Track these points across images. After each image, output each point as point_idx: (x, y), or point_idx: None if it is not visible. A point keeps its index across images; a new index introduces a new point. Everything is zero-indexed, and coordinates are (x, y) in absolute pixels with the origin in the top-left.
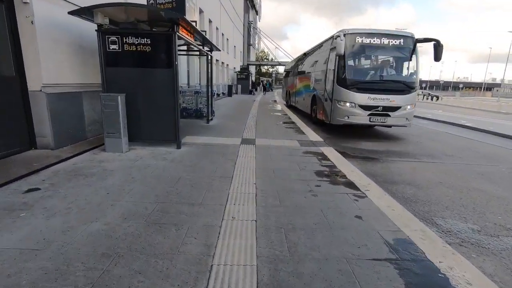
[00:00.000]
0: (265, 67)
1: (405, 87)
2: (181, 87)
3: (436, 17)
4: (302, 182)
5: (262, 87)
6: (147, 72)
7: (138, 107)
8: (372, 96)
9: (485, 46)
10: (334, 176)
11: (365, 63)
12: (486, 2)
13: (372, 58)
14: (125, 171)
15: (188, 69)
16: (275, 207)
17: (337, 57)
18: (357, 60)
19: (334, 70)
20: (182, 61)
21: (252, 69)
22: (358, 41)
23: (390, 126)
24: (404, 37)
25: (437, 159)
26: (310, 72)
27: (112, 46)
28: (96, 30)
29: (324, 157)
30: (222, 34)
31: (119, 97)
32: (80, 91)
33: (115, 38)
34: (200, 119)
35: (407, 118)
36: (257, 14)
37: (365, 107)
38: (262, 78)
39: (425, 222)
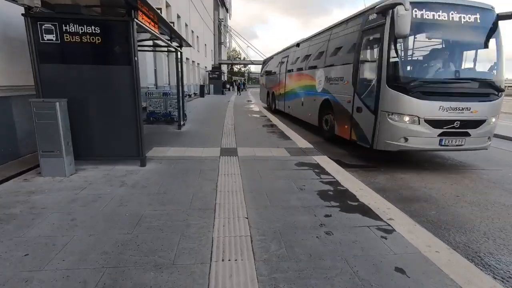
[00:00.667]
0: (238, 66)
1: (490, 89)
2: (148, 88)
3: None
4: (307, 211)
5: (236, 87)
6: (98, 70)
7: (87, 116)
8: (446, 104)
9: None
10: (343, 199)
11: (431, 51)
12: None
13: (443, 43)
14: (64, 208)
15: (156, 68)
16: (282, 259)
17: (388, 41)
18: (419, 47)
19: (379, 62)
20: (148, 59)
21: (224, 68)
22: (425, 16)
23: (465, 150)
24: (484, 10)
25: (440, 166)
26: (315, 68)
27: (47, 36)
28: (22, 14)
29: (321, 169)
30: (192, 31)
31: (57, 103)
32: (9, 95)
33: (50, 25)
34: (171, 124)
35: (489, 137)
36: (227, 11)
37: (434, 123)
38: (234, 78)
39: (475, 262)
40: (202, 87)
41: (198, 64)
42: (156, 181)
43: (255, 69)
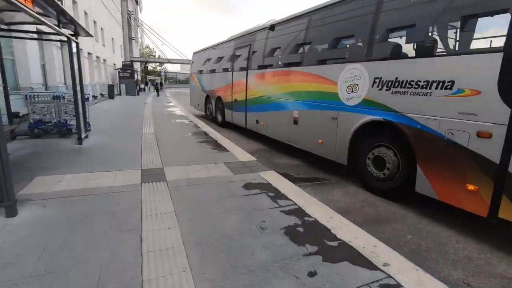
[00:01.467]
0: (153, 65)
1: None
2: (32, 89)
3: None
4: (283, 271)
5: (154, 88)
6: None
7: None
8: None
9: None
10: (319, 238)
11: None
12: None
13: None
14: None
15: (44, 63)
16: None
17: None
18: None
19: None
20: (32, 51)
21: (138, 67)
22: None
23: None
24: None
25: None
26: (338, 61)
27: None
28: None
29: (276, 192)
30: (95, 22)
31: None
32: None
33: None
34: (67, 137)
35: None
36: (137, 3)
37: None
38: (150, 77)
39: None
40: (111, 88)
41: (104, 60)
42: (33, 247)
43: (172, 68)
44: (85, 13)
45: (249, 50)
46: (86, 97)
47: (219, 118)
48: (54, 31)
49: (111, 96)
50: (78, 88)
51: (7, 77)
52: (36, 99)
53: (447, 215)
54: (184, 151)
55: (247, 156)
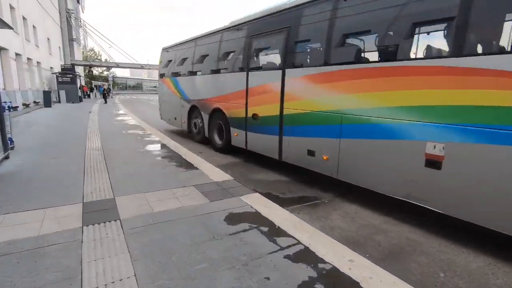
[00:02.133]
0: (98, 69)
1: None
2: None
3: None
4: None
5: (101, 94)
6: None
7: None
8: None
9: None
10: None
11: None
12: None
13: None
14: None
15: None
16: None
17: None
18: None
19: None
20: None
21: (81, 71)
22: None
23: None
24: None
25: None
26: None
27: None
28: None
29: (269, 224)
30: (24, 18)
31: None
32: None
33: None
34: None
35: None
36: (78, 2)
37: None
38: (95, 82)
39: None
40: (47, 94)
41: (38, 63)
42: None
43: (121, 73)
44: (11, 7)
45: (287, 37)
46: (5, 105)
47: (217, 140)
48: None
49: (47, 103)
50: None
51: None
52: None
53: (459, 230)
54: (141, 171)
55: (219, 173)
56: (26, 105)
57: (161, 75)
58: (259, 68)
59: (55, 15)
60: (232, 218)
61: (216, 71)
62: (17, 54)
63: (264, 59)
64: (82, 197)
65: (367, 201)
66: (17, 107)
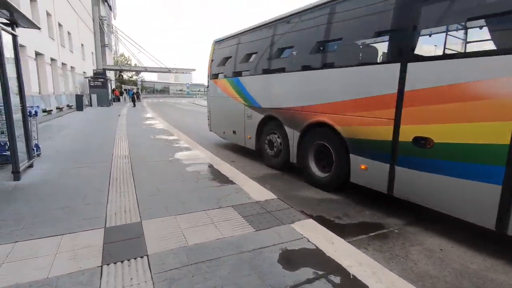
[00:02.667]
0: (128, 73)
1: None
2: None
3: None
4: None
5: (130, 98)
6: None
7: None
8: None
9: None
10: None
11: None
12: None
13: None
14: None
15: None
16: None
17: None
18: None
19: None
20: None
21: (112, 76)
22: None
23: None
24: None
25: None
26: None
27: None
28: None
29: (339, 270)
30: (60, 24)
31: None
32: None
33: None
34: (2, 167)
35: None
36: (110, 9)
37: None
38: (125, 86)
39: None
40: (79, 98)
41: (72, 68)
42: None
43: (149, 77)
44: (48, 14)
45: None
46: (32, 111)
47: (315, 170)
48: None
49: (79, 107)
50: (18, 99)
51: None
52: None
53: None
54: (171, 186)
55: (258, 189)
56: (59, 109)
57: (213, 76)
58: (442, 57)
59: (89, 22)
60: (289, 259)
61: (323, 65)
62: (52, 59)
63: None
64: (105, 220)
65: (448, 232)
66: (51, 110)
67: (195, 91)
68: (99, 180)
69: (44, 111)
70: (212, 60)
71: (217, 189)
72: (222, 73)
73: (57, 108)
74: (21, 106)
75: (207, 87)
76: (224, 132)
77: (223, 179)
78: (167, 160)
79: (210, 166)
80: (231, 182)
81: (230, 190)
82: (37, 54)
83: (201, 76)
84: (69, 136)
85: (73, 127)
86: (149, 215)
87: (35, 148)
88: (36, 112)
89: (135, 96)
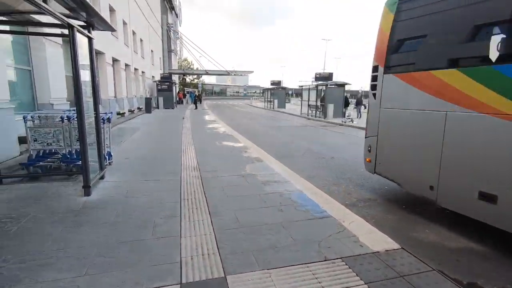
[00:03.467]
0: (190, 77)
1: None
2: (51, 105)
3: None
4: None
5: (192, 101)
6: None
7: None
8: None
9: None
10: None
11: None
12: None
13: None
14: None
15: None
16: None
17: None
18: None
19: None
20: (52, 56)
21: (175, 79)
22: None
23: None
24: None
25: None
26: None
27: None
28: None
29: None
30: (134, 32)
31: None
32: None
33: None
34: (71, 179)
35: None
36: (177, 17)
37: None
38: (187, 89)
39: None
40: (148, 101)
41: (142, 72)
42: None
43: (208, 80)
44: (124, 23)
45: None
46: (105, 117)
47: None
48: (58, 22)
49: (148, 110)
50: (93, 104)
51: (22, 91)
52: (38, 121)
53: None
54: (251, 214)
55: (366, 228)
56: (131, 111)
57: (389, 69)
58: None
59: (157, 28)
60: None
61: None
62: (126, 65)
63: None
64: (180, 268)
65: None
66: (124, 113)
67: (251, 92)
68: (169, 199)
69: (118, 113)
70: (388, 40)
71: (310, 225)
72: (414, 62)
73: (129, 111)
74: (94, 113)
75: (375, 88)
76: (410, 179)
77: (313, 208)
78: (239, 174)
79: (290, 184)
80: (326, 214)
81: (329, 228)
82: (114, 60)
83: (256, 78)
84: (139, 141)
85: (143, 130)
86: (234, 267)
87: (107, 157)
88: (109, 118)
89: (196, 98)
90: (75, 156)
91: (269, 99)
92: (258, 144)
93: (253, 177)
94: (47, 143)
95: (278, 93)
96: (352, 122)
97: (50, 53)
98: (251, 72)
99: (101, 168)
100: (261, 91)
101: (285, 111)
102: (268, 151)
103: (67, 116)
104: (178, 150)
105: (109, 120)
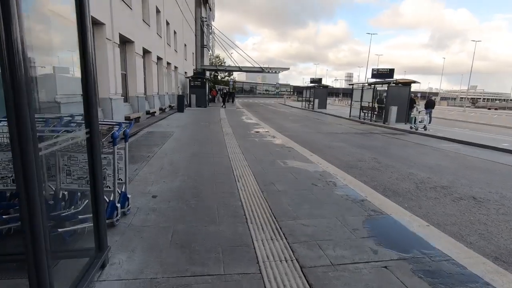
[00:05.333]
0: (222, 74)
1: None
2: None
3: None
4: None
5: (221, 97)
6: None
7: None
8: None
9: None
10: None
11: None
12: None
13: None
14: None
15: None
16: None
17: None
18: None
19: None
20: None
21: (207, 76)
22: None
23: None
24: None
25: None
26: None
27: None
28: None
29: None
30: (168, 23)
31: None
32: None
33: None
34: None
35: None
36: (210, 10)
37: None
38: (218, 86)
39: None
40: (181, 99)
41: (175, 67)
42: None
43: (238, 77)
44: (158, 11)
45: None
46: (117, 132)
47: None
48: None
49: (180, 108)
50: (84, 111)
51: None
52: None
53: None
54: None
55: None
56: (162, 110)
57: None
58: None
59: (191, 21)
60: None
61: None
62: (158, 58)
63: None
64: None
65: None
66: (154, 112)
67: (283, 91)
68: None
69: (147, 113)
70: None
71: None
72: None
73: (160, 110)
74: (87, 130)
75: None
76: None
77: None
78: (352, 239)
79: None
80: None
81: None
82: (145, 51)
83: (287, 76)
84: (172, 155)
85: (176, 136)
86: None
87: (118, 205)
88: (126, 133)
89: (224, 96)
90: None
91: (308, 99)
92: (337, 165)
93: (403, 266)
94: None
95: (319, 92)
96: (425, 130)
97: None
98: (287, 69)
99: (100, 246)
100: (291, 89)
101: (328, 112)
102: (365, 181)
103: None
104: (229, 179)
105: (125, 136)
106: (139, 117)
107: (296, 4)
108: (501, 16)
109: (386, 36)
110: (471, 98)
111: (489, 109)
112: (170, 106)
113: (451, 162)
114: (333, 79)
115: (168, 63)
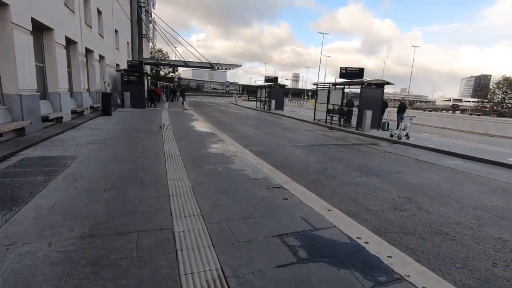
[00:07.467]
0: (165, 69)
1: None
2: None
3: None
4: None
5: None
6: None
7: None
8: None
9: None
10: None
11: None
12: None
13: None
14: None
15: None
16: None
17: None
18: None
19: None
20: None
21: (147, 71)
22: None
23: None
24: None
25: None
26: None
27: None
28: None
29: None
30: None
31: None
32: None
33: None
34: None
35: None
36: None
37: None
38: (161, 83)
39: None
40: (106, 98)
41: (101, 57)
42: None
43: (184, 74)
44: None
45: None
46: None
47: None
48: None
49: (106, 111)
50: None
51: None
52: None
53: None
54: None
55: None
56: (78, 113)
57: None
58: None
59: (125, 5)
60: None
61: None
62: (69, 40)
63: None
64: None
65: None
66: (61, 117)
67: (232, 90)
68: None
69: (45, 119)
70: None
71: None
72: None
73: (73, 113)
74: None
75: None
76: None
77: None
78: None
79: None
80: None
81: None
82: (42, 27)
83: (234, 75)
84: (24, 255)
85: (76, 170)
86: None
87: None
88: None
89: (152, 94)
90: None
91: (263, 99)
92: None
93: None
94: None
95: (275, 92)
96: (408, 139)
97: None
98: (239, 65)
99: None
100: (240, 88)
101: (287, 115)
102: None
103: None
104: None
105: None
106: (24, 127)
107: (239, 2)
108: (417, 28)
109: (325, 40)
110: (406, 100)
111: (424, 110)
112: (92, 107)
113: (475, 186)
114: (283, 79)
115: (89, 50)
